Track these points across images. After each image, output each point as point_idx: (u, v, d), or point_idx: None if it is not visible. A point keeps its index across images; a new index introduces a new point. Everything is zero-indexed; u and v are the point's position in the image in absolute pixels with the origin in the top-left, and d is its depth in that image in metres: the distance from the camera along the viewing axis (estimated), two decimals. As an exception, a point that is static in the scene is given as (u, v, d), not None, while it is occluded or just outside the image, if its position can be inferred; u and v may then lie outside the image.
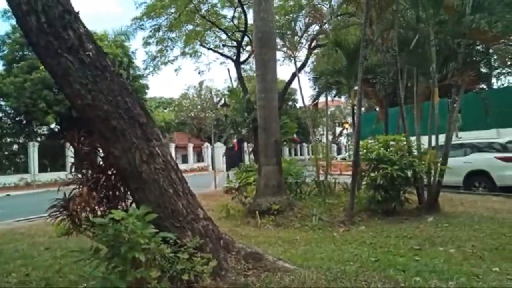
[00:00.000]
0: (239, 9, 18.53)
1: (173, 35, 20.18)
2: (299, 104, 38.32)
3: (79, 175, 3.83)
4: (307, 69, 21.12)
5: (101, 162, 3.86)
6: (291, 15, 16.65)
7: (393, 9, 8.36)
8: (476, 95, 10.87)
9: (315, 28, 16.16)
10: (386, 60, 9.54)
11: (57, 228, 3.74)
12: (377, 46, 9.88)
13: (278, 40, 13.20)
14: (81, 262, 3.28)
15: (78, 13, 3.27)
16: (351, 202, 7.33)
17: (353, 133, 9.80)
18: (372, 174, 7.58)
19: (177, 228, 3.35)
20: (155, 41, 20.00)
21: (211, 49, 21.74)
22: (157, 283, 2.82)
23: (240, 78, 19.92)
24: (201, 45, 21.36)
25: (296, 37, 14.35)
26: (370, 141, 8.31)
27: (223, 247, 3.65)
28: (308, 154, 45.71)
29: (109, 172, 3.77)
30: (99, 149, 3.83)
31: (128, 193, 3.69)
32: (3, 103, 25.04)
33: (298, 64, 16.29)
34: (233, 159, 23.39)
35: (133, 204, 3.62)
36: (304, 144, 47.29)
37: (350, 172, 8.04)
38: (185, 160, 36.97)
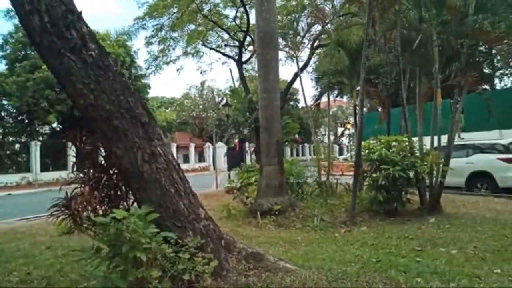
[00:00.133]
0: (241, 9, 18.54)
1: (175, 34, 20.23)
2: (301, 104, 38.26)
3: (81, 175, 3.84)
4: (309, 69, 21.17)
5: (103, 162, 3.87)
6: (294, 15, 16.63)
7: (396, 9, 8.34)
8: (479, 96, 10.81)
9: (317, 28, 16.16)
10: (388, 60, 9.52)
11: (58, 227, 3.75)
12: (380, 46, 9.86)
13: (280, 40, 13.19)
14: (82, 261, 3.28)
15: (81, 12, 3.28)
16: (352, 203, 7.32)
17: (355, 134, 9.77)
18: (374, 175, 7.57)
19: (178, 228, 3.35)
20: (157, 41, 20.05)
21: (213, 49, 21.77)
22: (158, 282, 2.82)
23: (242, 78, 19.93)
24: (203, 45, 21.40)
25: (298, 37, 14.33)
26: (372, 142, 8.29)
27: (224, 247, 3.65)
28: (310, 154, 45.68)
29: (111, 172, 3.78)
30: (101, 148, 3.84)
31: (130, 192, 3.69)
32: (5, 102, 25.11)
33: (300, 64, 16.32)
34: (235, 159, 23.38)
35: (135, 204, 3.62)
36: (305, 144, 47.27)
37: (352, 173, 8.01)
38: (186, 160, 37.01)
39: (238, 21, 19.83)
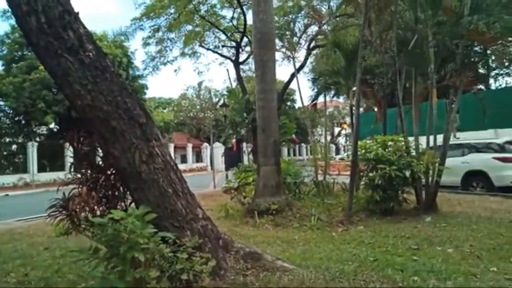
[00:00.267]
0: (238, 10, 18.53)
1: (172, 35, 20.18)
2: (298, 104, 38.38)
3: (79, 175, 3.85)
4: (306, 69, 21.20)
5: (101, 162, 3.88)
6: (290, 16, 16.68)
7: (392, 10, 8.38)
8: (474, 96, 10.90)
9: (314, 29, 16.25)
10: (384, 60, 9.57)
11: (56, 228, 3.75)
12: (376, 47, 9.90)
13: (277, 40, 13.25)
14: (80, 262, 3.30)
15: (78, 13, 3.29)
16: (349, 202, 7.35)
17: (352, 134, 9.82)
18: (371, 174, 7.60)
19: (176, 228, 3.37)
20: (155, 42, 19.99)
21: (210, 49, 21.76)
22: (156, 283, 2.83)
23: (239, 78, 19.92)
24: (200, 45, 21.37)
25: (295, 38, 14.41)
26: (368, 142, 8.33)
27: (222, 246, 3.67)
28: (307, 154, 45.74)
29: (109, 172, 3.79)
30: (99, 149, 3.84)
31: (127, 193, 3.70)
32: (2, 103, 25.00)
33: (297, 65, 16.40)
34: (232, 159, 23.43)
35: (132, 204, 3.63)
36: (302, 144, 47.32)
37: (348, 172, 8.05)
38: (184, 160, 36.96)
39: (235, 22, 19.83)
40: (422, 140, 8.20)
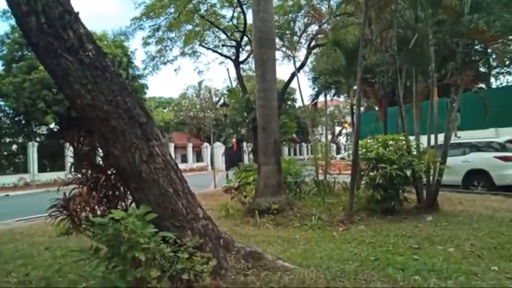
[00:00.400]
0: (238, 9, 18.52)
1: (172, 35, 20.17)
2: (299, 103, 38.37)
3: (79, 175, 3.84)
4: (306, 68, 21.17)
5: (101, 162, 3.87)
6: (290, 15, 16.66)
7: (392, 9, 8.37)
8: (475, 95, 10.91)
9: (314, 28, 16.18)
10: (385, 59, 9.56)
11: (56, 228, 3.75)
12: (376, 46, 9.89)
13: (277, 40, 13.23)
14: (81, 262, 3.29)
15: (78, 13, 3.28)
16: (350, 202, 7.34)
17: (352, 133, 9.81)
18: (371, 174, 7.59)
19: (176, 228, 3.37)
20: (155, 41, 19.98)
21: (210, 49, 21.74)
22: (157, 282, 2.83)
23: (239, 77, 19.91)
24: (200, 45, 21.36)
25: (295, 37, 14.38)
26: (369, 141, 8.32)
27: (222, 246, 3.67)
28: (308, 153, 45.71)
29: (109, 172, 3.79)
30: (99, 149, 3.84)
31: (128, 192, 3.70)
32: (2, 103, 25.04)
33: (297, 64, 16.38)
34: (233, 158, 23.41)
35: (133, 204, 3.63)
36: (303, 143, 47.29)
37: (349, 172, 8.05)
38: (184, 159, 36.96)
39: (235, 21, 19.81)
40: (423, 139, 8.19)
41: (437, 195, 7.70)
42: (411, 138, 8.17)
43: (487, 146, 11.10)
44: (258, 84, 8.46)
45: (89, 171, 3.83)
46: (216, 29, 20.34)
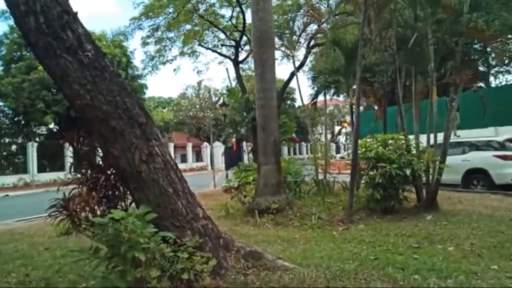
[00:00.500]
0: (237, 8, 18.49)
1: (171, 35, 20.13)
2: (298, 103, 38.32)
3: (78, 175, 3.84)
4: (305, 68, 21.13)
5: (101, 162, 3.87)
6: (289, 15, 16.64)
7: (391, 8, 8.37)
8: (474, 94, 10.91)
9: (313, 27, 16.18)
10: (384, 59, 9.56)
11: (56, 228, 3.75)
12: (375, 45, 9.88)
13: (276, 39, 13.19)
14: (81, 262, 3.29)
15: (76, 13, 3.28)
16: (350, 201, 7.34)
17: (352, 132, 9.81)
18: (371, 173, 7.59)
19: (176, 228, 3.37)
20: (154, 41, 19.95)
21: (209, 48, 21.72)
22: (157, 282, 2.83)
23: (238, 77, 19.89)
24: (199, 44, 21.33)
25: (294, 36, 14.36)
26: (368, 140, 8.32)
27: (222, 246, 3.67)
28: (307, 153, 45.71)
29: (109, 172, 3.78)
30: (98, 149, 3.84)
31: (128, 192, 3.70)
32: (1, 103, 25.04)
33: (297, 63, 16.33)
34: (232, 158, 23.42)
35: (133, 204, 3.63)
36: (303, 143, 47.29)
37: (349, 171, 8.05)
38: (184, 159, 36.96)
39: (234, 21, 19.79)
40: (423, 138, 8.19)
41: (437, 194, 7.71)
42: (411, 137, 8.18)
43: (487, 145, 11.11)
44: (257, 83, 8.46)
45: (89, 171, 3.83)
46: (215, 29, 20.32)
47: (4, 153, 25.17)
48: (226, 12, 20.16)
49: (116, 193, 3.84)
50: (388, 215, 7.25)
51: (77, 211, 3.58)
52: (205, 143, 38.43)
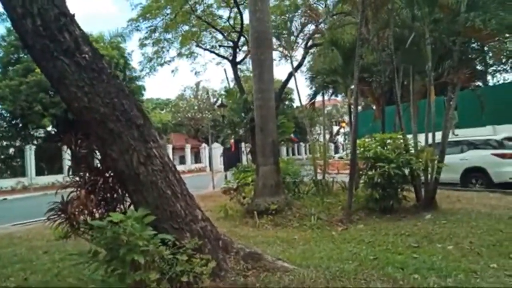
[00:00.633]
0: (235, 9, 18.49)
1: (169, 36, 20.13)
2: (296, 103, 38.30)
3: (77, 178, 3.83)
4: (303, 68, 21.18)
5: (99, 165, 3.86)
6: (287, 15, 16.66)
7: (389, 8, 8.38)
8: (472, 93, 10.93)
9: (311, 27, 16.19)
10: (382, 58, 9.58)
11: (55, 231, 3.74)
12: (373, 45, 9.91)
13: (274, 40, 13.23)
14: (80, 265, 3.28)
15: (73, 15, 3.27)
16: (349, 201, 7.35)
17: (350, 132, 9.82)
18: (370, 173, 7.60)
19: (175, 230, 3.36)
20: (151, 43, 19.95)
21: (207, 49, 21.70)
22: (157, 285, 2.82)
23: (236, 78, 19.90)
24: (197, 46, 21.31)
25: (292, 37, 14.36)
26: (367, 140, 8.33)
27: (222, 247, 3.66)
28: (306, 153, 45.76)
29: (107, 175, 3.77)
30: (96, 151, 3.82)
31: (126, 195, 3.69)
32: (-2, 106, 24.96)
33: (295, 64, 16.33)
34: (231, 159, 23.37)
35: (131, 206, 3.62)
36: (301, 143, 47.33)
37: (347, 171, 8.05)
38: (182, 161, 36.94)
39: (232, 22, 19.78)
40: (421, 137, 8.21)
41: (436, 193, 7.72)
42: (409, 136, 8.19)
43: (485, 144, 11.13)
44: (255, 84, 8.45)
45: (87, 174, 3.82)
46: (213, 30, 20.31)
47: (2, 156, 25.09)
48: (224, 13, 20.15)
49: (115, 195, 3.83)
50: (387, 215, 7.26)
51: (76, 214, 3.56)
52: (204, 145, 38.41)
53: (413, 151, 7.90)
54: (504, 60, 20.58)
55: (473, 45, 10.20)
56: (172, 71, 29.41)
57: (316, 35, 16.87)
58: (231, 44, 20.44)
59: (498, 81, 24.43)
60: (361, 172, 8.05)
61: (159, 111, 49.08)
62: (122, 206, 3.82)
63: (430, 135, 7.95)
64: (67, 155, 4.63)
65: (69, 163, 4.06)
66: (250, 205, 7.97)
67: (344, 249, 5.01)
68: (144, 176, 3.33)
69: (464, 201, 8.41)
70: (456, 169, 10.60)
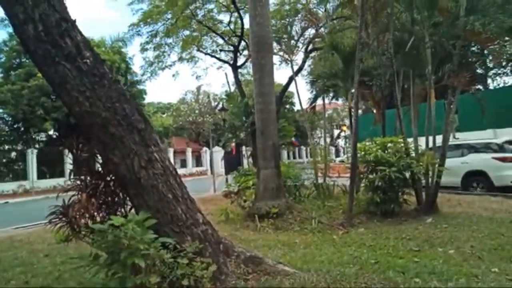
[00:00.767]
0: (236, 14, 18.57)
1: (170, 40, 20.19)
2: (297, 107, 38.37)
3: (78, 182, 3.84)
4: (304, 72, 21.19)
5: (100, 169, 3.88)
6: (287, 19, 16.72)
7: (388, 12, 8.42)
8: (472, 96, 10.93)
9: (311, 31, 16.27)
10: (382, 62, 9.59)
11: (56, 235, 3.75)
12: (373, 49, 9.93)
13: (274, 44, 13.28)
14: (80, 269, 3.29)
15: (75, 21, 3.30)
16: (350, 205, 7.34)
17: (351, 136, 9.83)
18: (370, 176, 7.60)
19: (176, 233, 3.36)
20: (152, 47, 20.02)
21: (208, 54, 21.77)
22: (157, 288, 2.82)
23: (237, 82, 19.94)
24: (198, 50, 21.39)
25: (292, 41, 14.44)
26: (367, 143, 8.33)
27: (222, 251, 3.66)
28: (307, 157, 45.74)
29: (108, 178, 3.79)
30: (98, 155, 3.84)
31: (127, 199, 3.70)
32: (0, 110, 25.04)
33: (295, 68, 16.38)
34: (232, 163, 23.40)
35: (132, 210, 3.63)
36: (302, 147, 47.33)
37: (348, 175, 8.05)
38: (183, 164, 36.94)
39: (232, 26, 19.86)
40: (422, 141, 8.21)
41: (436, 197, 7.71)
42: (410, 140, 8.19)
43: (485, 147, 11.12)
44: (256, 88, 8.48)
45: (88, 178, 3.83)
46: (214, 34, 20.40)
47: (4, 160, 25.14)
48: (224, 17, 20.23)
49: (116, 199, 3.84)
50: (388, 218, 7.25)
51: (77, 218, 3.58)
52: (205, 148, 38.42)
53: (413, 155, 7.90)
54: (504, 64, 20.58)
55: (473, 48, 10.21)
56: (173, 75, 29.70)
57: (316, 39, 16.93)
58: (231, 48, 20.51)
59: (499, 85, 24.44)
60: (362, 175, 8.05)
61: (161, 115, 49.20)
62: (123, 210, 3.83)
63: (430, 138, 7.96)
64: (68, 159, 4.64)
65: (71, 166, 4.08)
66: (251, 209, 7.96)
67: (345, 253, 5.01)
68: (145, 180, 3.34)
69: (465, 204, 8.39)
70: (457, 172, 10.59)
